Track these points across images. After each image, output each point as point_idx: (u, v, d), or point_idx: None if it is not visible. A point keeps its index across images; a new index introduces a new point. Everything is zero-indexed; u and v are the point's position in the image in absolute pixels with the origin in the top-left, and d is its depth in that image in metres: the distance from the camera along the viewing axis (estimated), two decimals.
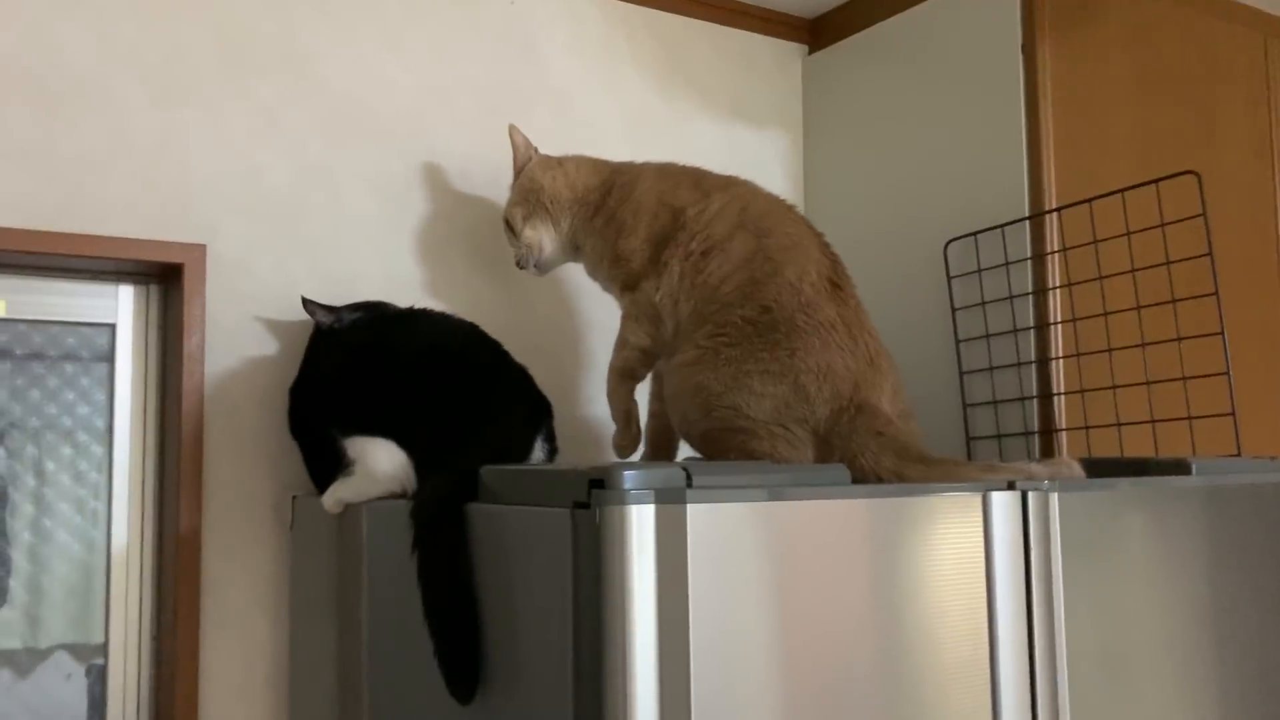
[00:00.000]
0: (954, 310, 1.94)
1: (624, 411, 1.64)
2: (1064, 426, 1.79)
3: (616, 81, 2.11)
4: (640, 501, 0.97)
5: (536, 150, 1.77)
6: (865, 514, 1.09)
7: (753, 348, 1.42)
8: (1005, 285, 1.87)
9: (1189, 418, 1.63)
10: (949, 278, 1.95)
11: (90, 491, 1.70)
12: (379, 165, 1.85)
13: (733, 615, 1.00)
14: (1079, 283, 1.79)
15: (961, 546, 1.15)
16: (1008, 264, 1.86)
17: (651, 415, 1.70)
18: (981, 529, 1.17)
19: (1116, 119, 1.81)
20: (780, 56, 2.32)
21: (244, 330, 1.70)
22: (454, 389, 1.42)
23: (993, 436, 1.87)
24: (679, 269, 1.54)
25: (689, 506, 0.98)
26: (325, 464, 1.49)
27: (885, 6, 2.14)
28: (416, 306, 1.69)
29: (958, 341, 1.93)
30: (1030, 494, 1.21)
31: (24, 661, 1.64)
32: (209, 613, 1.65)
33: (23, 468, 1.66)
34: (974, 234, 1.91)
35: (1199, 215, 1.62)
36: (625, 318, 1.64)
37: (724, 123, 2.23)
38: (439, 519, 1.22)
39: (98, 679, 1.68)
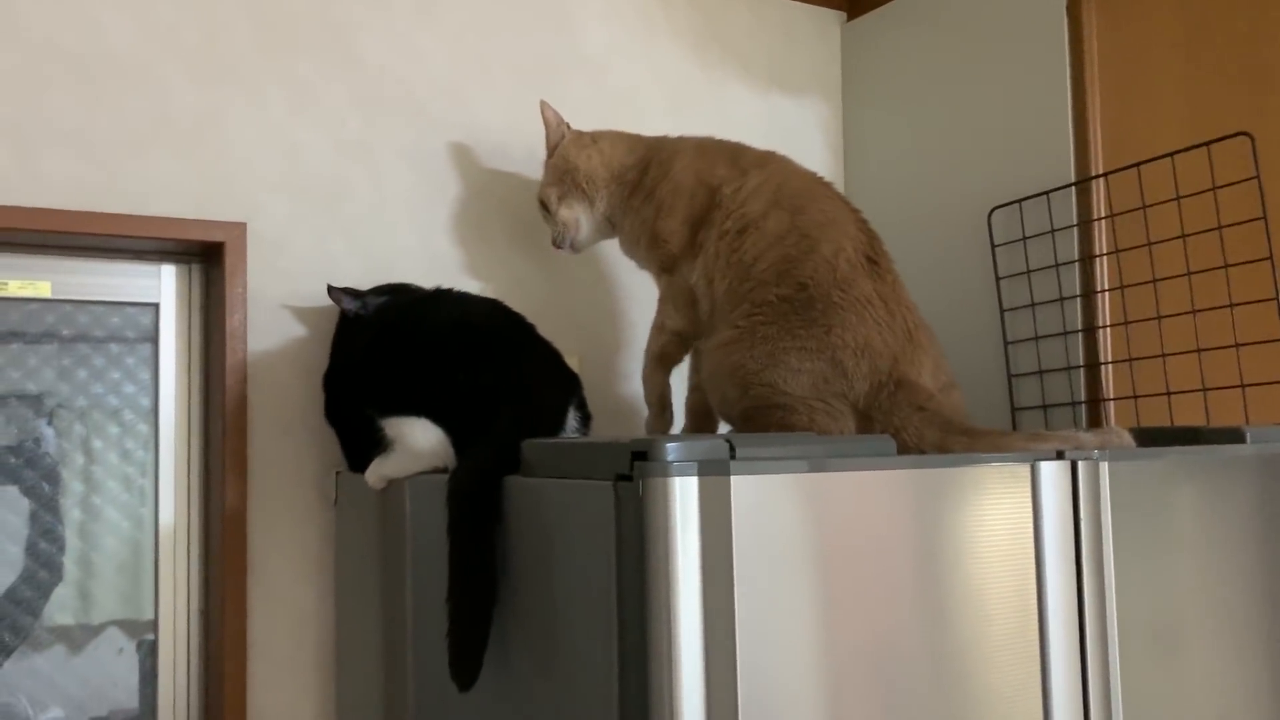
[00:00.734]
0: (998, 279, 1.91)
1: (658, 397, 1.63)
2: (1111, 396, 1.76)
3: (653, 51, 2.09)
4: (683, 473, 0.96)
5: (569, 127, 1.75)
6: (911, 484, 1.08)
7: (789, 325, 1.40)
8: (1051, 253, 1.83)
9: (1241, 385, 1.60)
10: (993, 246, 1.92)
11: (138, 470, 1.72)
12: (417, 141, 1.84)
13: (777, 587, 0.99)
14: (1127, 249, 1.75)
15: (1010, 517, 1.13)
16: (1053, 231, 1.83)
17: (692, 389, 1.69)
18: (1030, 499, 1.15)
19: (1165, 80, 1.77)
20: (819, 23, 2.29)
21: (285, 307, 1.71)
22: (484, 364, 1.42)
23: (1038, 407, 1.85)
24: (714, 248, 1.52)
25: (733, 478, 0.97)
26: (363, 446, 1.51)
27: None
28: (442, 287, 1.69)
29: (1002, 311, 1.90)
30: (1080, 463, 1.19)
31: (78, 637, 1.67)
32: (256, 588, 1.67)
33: (71, 446, 1.68)
34: (1018, 201, 1.88)
35: (1252, 178, 1.58)
36: (662, 300, 1.63)
37: (762, 91, 2.21)
38: (472, 500, 1.22)
39: (148, 653, 1.70)
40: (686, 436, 1.01)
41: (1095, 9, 1.82)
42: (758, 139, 2.20)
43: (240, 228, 1.67)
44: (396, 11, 1.84)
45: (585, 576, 1.06)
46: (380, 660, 1.52)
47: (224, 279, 1.66)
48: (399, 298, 1.65)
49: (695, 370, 1.68)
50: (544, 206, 1.74)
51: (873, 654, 1.04)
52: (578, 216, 1.70)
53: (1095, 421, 1.78)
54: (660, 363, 1.63)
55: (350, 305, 1.62)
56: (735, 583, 0.97)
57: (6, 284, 1.63)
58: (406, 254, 1.82)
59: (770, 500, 0.99)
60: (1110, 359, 1.77)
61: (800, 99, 2.25)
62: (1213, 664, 1.29)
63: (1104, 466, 1.20)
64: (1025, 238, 1.87)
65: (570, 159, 1.70)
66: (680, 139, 1.69)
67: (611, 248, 1.94)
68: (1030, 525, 1.15)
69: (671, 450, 0.97)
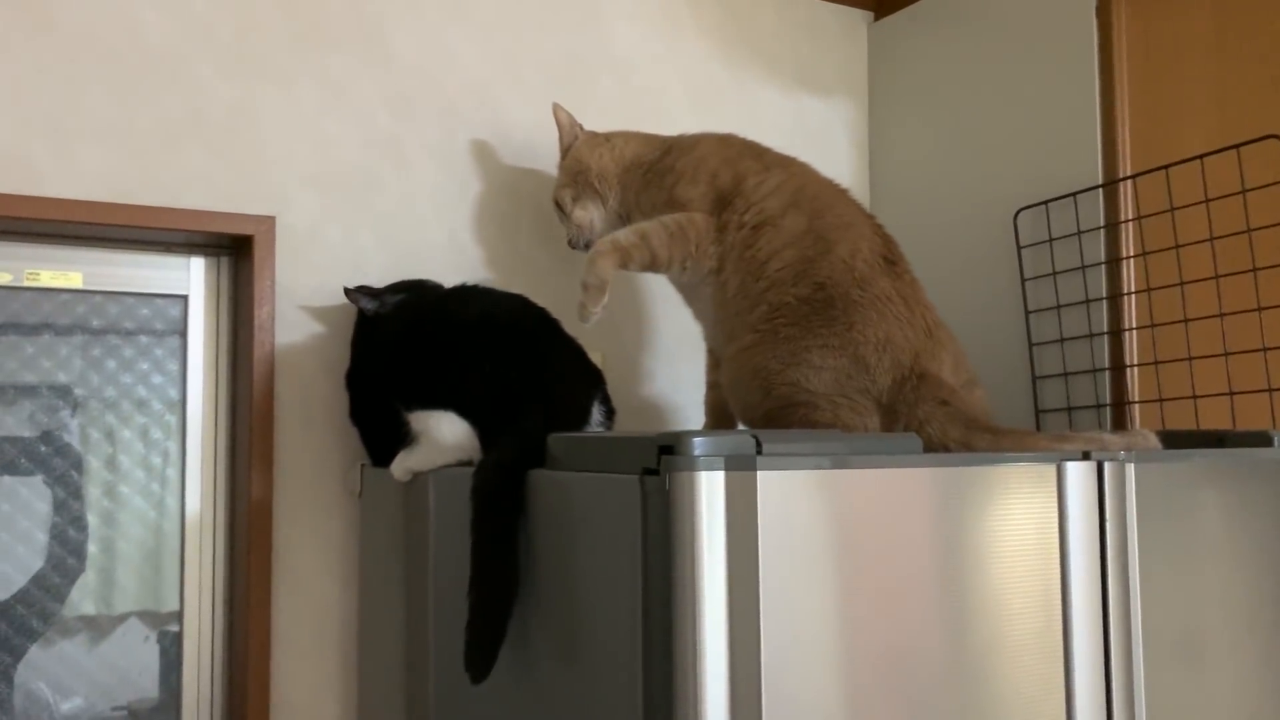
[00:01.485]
0: (1024, 281, 1.91)
1: (604, 283, 1.51)
2: (1137, 399, 1.76)
3: (680, 50, 2.09)
4: (710, 468, 0.97)
5: (581, 128, 1.76)
6: (937, 483, 1.08)
7: (810, 325, 1.40)
8: (1077, 255, 1.83)
9: (1269, 390, 1.59)
10: (1019, 247, 1.92)
11: (165, 460, 1.73)
12: (446, 137, 1.86)
13: (802, 583, 0.99)
14: (1154, 251, 1.74)
15: (1035, 517, 1.13)
16: (1080, 233, 1.82)
17: (710, 386, 1.69)
18: (1055, 499, 1.15)
19: (1194, 82, 1.76)
20: (845, 23, 2.29)
21: (313, 301, 1.73)
22: (509, 357, 1.43)
23: (1063, 409, 1.84)
24: (730, 239, 1.52)
25: (759, 474, 0.98)
26: (389, 439, 1.52)
27: None
28: (466, 283, 1.69)
29: (1027, 313, 1.90)
30: (1106, 464, 1.19)
31: (102, 625, 1.69)
32: (280, 578, 1.68)
33: (99, 436, 1.70)
34: (1045, 203, 1.87)
35: None
36: (661, 224, 1.55)
37: (788, 91, 2.21)
38: (495, 495, 1.23)
39: (171, 643, 1.72)
40: (712, 432, 1.02)
41: (1124, 10, 1.81)
42: (784, 139, 2.20)
43: (269, 221, 1.69)
44: (427, 9, 1.85)
45: (610, 570, 1.06)
46: (402, 652, 1.53)
47: (253, 272, 1.67)
48: (418, 294, 1.66)
49: (712, 367, 1.68)
50: (559, 208, 1.75)
51: (896, 651, 1.04)
52: (591, 217, 1.70)
53: (1120, 424, 1.78)
54: (619, 258, 1.53)
55: (369, 305, 1.63)
56: (760, 577, 0.97)
57: (38, 274, 1.65)
58: (434, 249, 1.83)
59: (796, 496, 1.00)
60: (1136, 362, 1.76)
61: (827, 99, 2.25)
62: (1238, 670, 1.28)
63: (1130, 468, 1.19)
64: (1051, 239, 1.87)
65: (583, 159, 1.70)
66: (702, 133, 1.69)
67: None
68: (1055, 526, 1.15)
69: (699, 445, 0.97)
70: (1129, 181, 1.78)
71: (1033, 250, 1.90)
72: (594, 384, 1.48)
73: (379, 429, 1.55)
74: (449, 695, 1.38)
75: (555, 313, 1.57)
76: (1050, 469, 1.15)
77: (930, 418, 1.35)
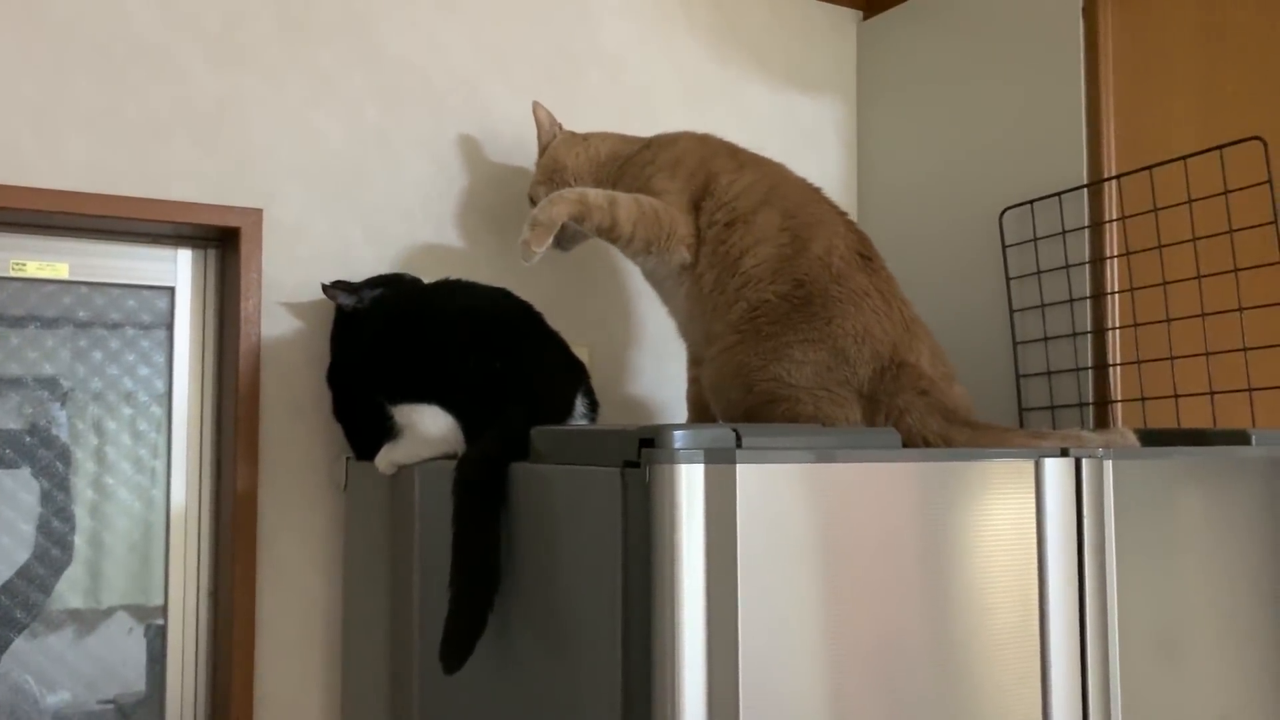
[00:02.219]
0: (1009, 279, 1.92)
1: (554, 226, 1.51)
2: (1120, 398, 1.77)
3: (670, 46, 2.10)
4: (690, 461, 0.97)
5: (560, 127, 1.78)
6: (916, 478, 1.08)
7: (790, 322, 1.43)
8: (1062, 254, 1.84)
9: (1249, 389, 1.60)
10: (1004, 246, 1.93)
11: (150, 452, 1.73)
12: (434, 130, 1.86)
13: (781, 576, 1.00)
14: (1137, 251, 1.76)
15: (1014, 513, 1.14)
16: (1064, 232, 1.83)
17: (691, 381, 1.70)
18: (1034, 495, 1.16)
19: (1180, 83, 1.77)
20: (836, 22, 2.29)
21: (300, 294, 1.73)
22: (493, 351, 1.44)
23: (1046, 408, 1.85)
24: (704, 235, 1.54)
25: (738, 466, 0.98)
26: (373, 433, 1.52)
27: None
28: (450, 277, 1.70)
29: (1012, 311, 1.91)
30: (1084, 461, 1.20)
31: (88, 618, 1.69)
32: (265, 571, 1.68)
33: (85, 428, 1.70)
34: (1030, 202, 1.88)
35: (1264, 182, 1.58)
36: (634, 201, 1.53)
37: (778, 89, 2.22)
38: (477, 489, 1.24)
39: (157, 635, 1.72)
40: (692, 425, 1.02)
41: (1111, 11, 1.82)
42: (773, 136, 2.21)
43: (256, 214, 1.69)
44: (417, 2, 1.86)
45: (592, 562, 1.07)
46: (387, 644, 1.53)
47: (239, 264, 1.67)
48: (397, 288, 1.66)
49: (692, 363, 1.69)
50: (533, 203, 1.76)
51: (874, 644, 1.05)
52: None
53: (1103, 423, 1.79)
54: (578, 211, 1.51)
55: (347, 300, 1.64)
56: (739, 570, 0.98)
57: (25, 265, 1.65)
58: (421, 243, 1.83)
59: (775, 489, 1.00)
60: (1119, 361, 1.77)
61: (816, 97, 2.26)
62: (1214, 665, 1.29)
63: (1108, 465, 1.20)
64: (1036, 238, 1.88)
65: (559, 158, 1.72)
66: (680, 132, 1.71)
67: None
68: (1033, 521, 1.16)
69: (679, 438, 0.98)
70: (1113, 181, 1.79)
71: (1018, 249, 1.91)
72: (577, 377, 1.48)
73: (363, 424, 1.56)
74: (433, 687, 1.39)
75: (543, 308, 1.57)
76: (1029, 465, 1.16)
77: (910, 407, 1.37)
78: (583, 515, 1.09)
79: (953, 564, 1.10)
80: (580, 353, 1.57)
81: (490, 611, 1.21)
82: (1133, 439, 1.34)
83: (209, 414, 1.76)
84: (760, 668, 0.98)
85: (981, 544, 1.12)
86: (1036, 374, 1.87)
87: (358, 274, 1.74)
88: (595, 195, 1.53)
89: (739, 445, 1.00)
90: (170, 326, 1.75)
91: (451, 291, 1.60)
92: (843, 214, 1.57)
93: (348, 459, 1.71)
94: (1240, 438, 1.37)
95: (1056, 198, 1.84)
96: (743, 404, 1.44)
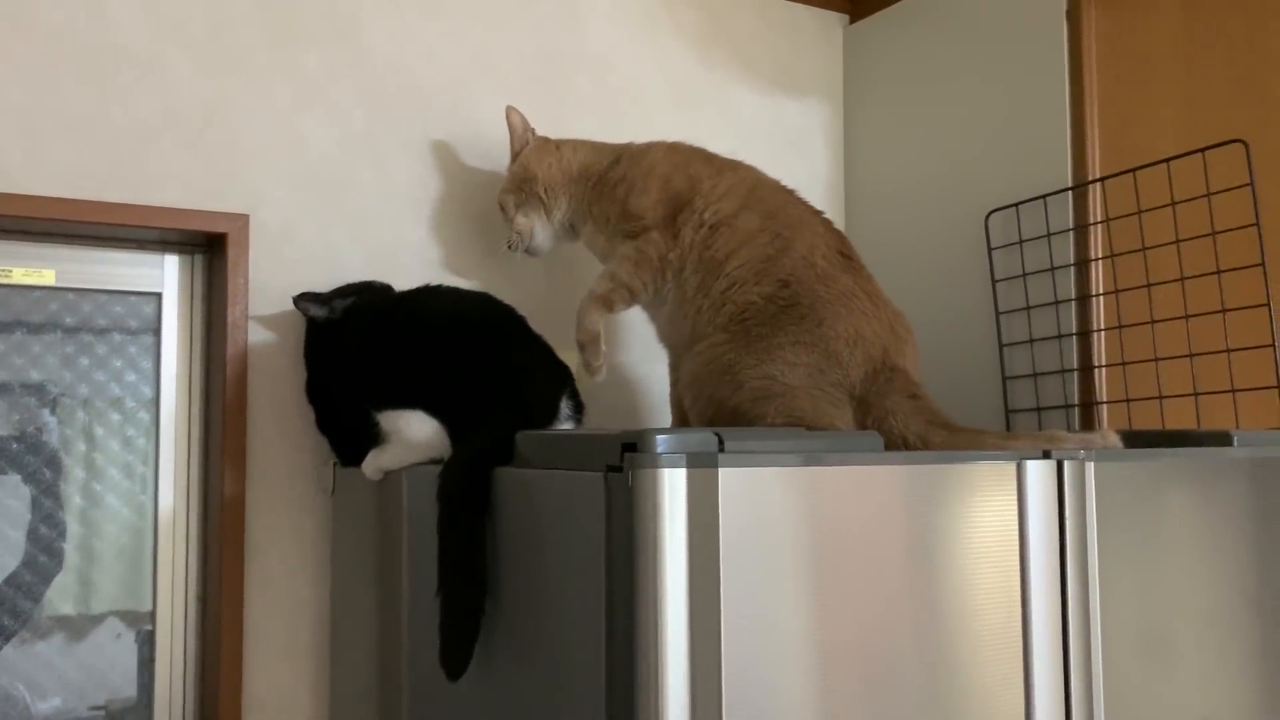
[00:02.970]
0: (994, 282, 1.93)
1: (596, 334, 1.58)
2: (1105, 399, 1.78)
3: (657, 50, 2.10)
4: (672, 465, 0.98)
5: (534, 133, 1.78)
6: (898, 480, 1.09)
7: (780, 323, 1.44)
8: (1047, 257, 1.85)
9: (1232, 390, 1.61)
10: (990, 249, 1.93)
11: (138, 458, 1.73)
12: (422, 134, 1.86)
13: (764, 579, 1.01)
14: (1122, 254, 1.76)
15: (996, 514, 1.15)
16: (1049, 235, 1.84)
17: (674, 384, 1.70)
18: (1016, 497, 1.16)
19: (1163, 87, 1.78)
20: (822, 25, 2.30)
21: (287, 299, 1.73)
22: (477, 355, 1.44)
23: (1032, 409, 1.86)
24: (689, 239, 1.55)
25: (720, 470, 0.99)
26: (358, 443, 1.52)
27: None
28: (430, 283, 1.70)
29: (998, 313, 1.92)
30: (1066, 463, 1.20)
31: (77, 624, 1.69)
32: (253, 575, 1.68)
33: (73, 434, 1.70)
34: (1016, 205, 1.89)
35: (1246, 185, 1.59)
36: (623, 259, 1.59)
37: (765, 92, 2.22)
38: (461, 495, 1.24)
39: (147, 641, 1.72)
40: (675, 430, 1.03)
41: (1094, 15, 1.83)
42: (760, 139, 2.22)
43: (243, 219, 1.69)
44: (403, 6, 1.86)
45: (576, 566, 1.07)
46: (375, 648, 1.53)
47: (226, 269, 1.68)
48: (369, 295, 1.66)
49: (675, 366, 1.69)
50: (502, 210, 1.76)
51: (857, 646, 1.06)
52: (532, 225, 1.72)
53: (1088, 424, 1.80)
54: (603, 306, 1.59)
55: (319, 312, 1.63)
56: (721, 573, 0.98)
57: (11, 271, 1.65)
58: (409, 247, 1.84)
59: (757, 493, 1.01)
60: (1104, 362, 1.78)
61: (803, 100, 2.27)
62: (1197, 665, 1.30)
63: (1090, 466, 1.21)
64: (1022, 241, 1.89)
65: (530, 167, 1.72)
66: (650, 142, 1.71)
67: None
68: (1015, 523, 1.16)
69: (661, 442, 0.99)
70: (1097, 184, 1.80)
71: (1003, 252, 1.92)
72: (562, 380, 1.49)
73: (348, 431, 1.56)
74: (421, 691, 1.39)
75: (532, 312, 1.58)
76: (1010, 467, 1.16)
77: (896, 409, 1.39)
78: (567, 519, 1.09)
79: (936, 566, 1.11)
80: (570, 357, 1.57)
81: (482, 614, 1.22)
82: (1116, 440, 1.34)
83: (196, 419, 1.76)
84: (743, 670, 0.99)
85: (964, 546, 1.13)
86: (1022, 376, 1.88)
87: (345, 278, 1.74)
88: (601, 285, 1.59)
89: (721, 449, 1.00)
90: (157, 332, 1.75)
91: (434, 297, 1.60)
92: (819, 213, 1.59)
93: (335, 463, 1.71)
94: (1222, 439, 1.38)
95: (1041, 200, 1.85)
96: (730, 401, 1.44)
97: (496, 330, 1.50)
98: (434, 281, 1.70)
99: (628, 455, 1.00)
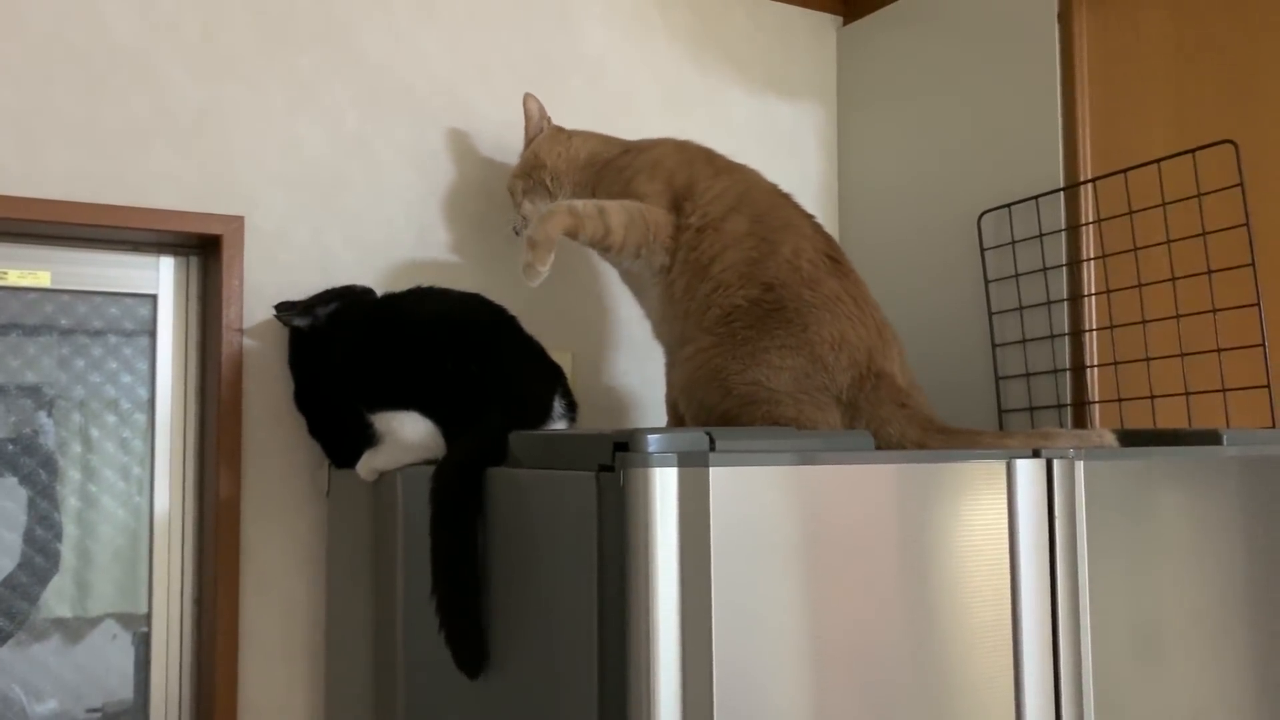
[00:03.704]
0: (987, 282, 1.93)
1: (552, 241, 1.51)
2: (1097, 399, 1.78)
3: (650, 52, 2.11)
4: (664, 464, 0.99)
5: (549, 121, 1.79)
6: (889, 479, 1.10)
7: (766, 327, 1.44)
8: (1039, 257, 1.86)
9: (1223, 390, 1.62)
10: (982, 249, 1.94)
11: (134, 459, 1.74)
12: (415, 137, 1.87)
13: (755, 578, 1.01)
14: (1113, 254, 1.77)
15: (986, 513, 1.16)
16: (1041, 236, 1.85)
17: (669, 387, 1.71)
18: (1005, 496, 1.17)
19: (1154, 88, 1.79)
20: (815, 27, 2.31)
21: (281, 300, 1.73)
22: (469, 355, 1.45)
23: (1025, 409, 1.87)
24: (679, 240, 1.56)
25: (711, 470, 0.99)
26: (352, 445, 1.53)
27: None
28: (421, 285, 1.69)
29: (990, 314, 1.92)
30: (1055, 461, 1.21)
31: (74, 626, 1.69)
32: (248, 577, 1.69)
33: (69, 436, 1.71)
34: (1008, 205, 1.90)
35: (1236, 185, 1.60)
36: (621, 207, 1.55)
37: (758, 94, 2.23)
38: (454, 497, 1.25)
39: (143, 643, 1.72)
40: (669, 429, 1.04)
41: (1086, 17, 1.84)
42: (753, 141, 2.22)
43: (238, 221, 1.69)
44: (397, 9, 1.87)
45: (568, 565, 1.08)
46: (370, 649, 1.54)
47: (221, 272, 1.68)
48: (353, 299, 1.66)
49: (671, 366, 1.69)
50: (511, 195, 1.78)
51: (848, 645, 1.06)
52: (538, 212, 1.73)
53: (1080, 424, 1.80)
54: (572, 224, 1.52)
55: (301, 321, 1.63)
56: (713, 571, 0.99)
57: (6, 274, 1.66)
58: (402, 249, 1.84)
59: (748, 492, 1.01)
60: (1096, 362, 1.79)
61: (796, 102, 2.28)
62: (1187, 663, 1.31)
63: (1079, 465, 1.22)
64: (1014, 241, 1.89)
65: (540, 155, 1.74)
66: (660, 138, 1.73)
67: None
68: (1005, 521, 1.17)
69: (653, 442, 0.99)
70: (1089, 185, 1.81)
71: (996, 252, 1.93)
72: (554, 379, 1.49)
73: (342, 434, 1.56)
74: (416, 692, 1.40)
75: (525, 312, 1.58)
76: (1001, 466, 1.17)
77: (891, 418, 1.39)
78: (559, 519, 1.10)
79: (926, 564, 1.11)
80: (563, 357, 1.58)
81: (480, 610, 1.22)
82: (1110, 439, 1.35)
83: (192, 421, 1.77)
84: (735, 669, 0.99)
85: (955, 544, 1.14)
86: (1015, 376, 1.89)
87: (338, 280, 1.75)
88: (584, 206, 1.54)
89: (712, 448, 1.01)
90: (153, 334, 1.75)
91: (426, 297, 1.61)
92: (809, 216, 1.59)
93: (330, 465, 1.72)
94: (1212, 437, 1.38)
95: (1034, 201, 1.86)
96: (719, 406, 1.45)
97: (488, 330, 1.51)
98: (427, 283, 1.71)
99: (619, 455, 1.00)
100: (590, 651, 1.04)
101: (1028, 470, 1.19)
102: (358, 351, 1.52)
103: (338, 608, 1.68)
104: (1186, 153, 1.65)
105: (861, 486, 1.08)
